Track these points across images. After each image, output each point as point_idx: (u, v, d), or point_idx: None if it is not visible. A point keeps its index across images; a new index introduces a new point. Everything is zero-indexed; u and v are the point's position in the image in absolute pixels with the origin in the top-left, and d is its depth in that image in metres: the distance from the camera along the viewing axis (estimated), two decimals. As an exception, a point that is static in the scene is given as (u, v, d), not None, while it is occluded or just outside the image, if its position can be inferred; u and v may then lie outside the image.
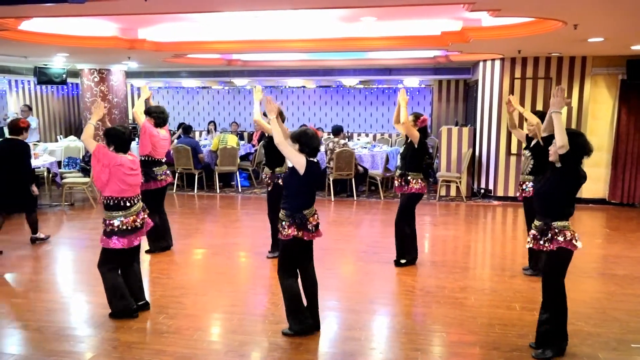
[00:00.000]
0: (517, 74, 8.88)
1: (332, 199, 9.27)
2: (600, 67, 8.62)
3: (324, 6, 5.42)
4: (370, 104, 14.35)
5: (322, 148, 9.51)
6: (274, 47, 8.08)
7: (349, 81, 13.34)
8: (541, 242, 3.57)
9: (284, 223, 3.82)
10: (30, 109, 11.22)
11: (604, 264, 5.85)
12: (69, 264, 5.81)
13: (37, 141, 10.89)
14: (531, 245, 3.68)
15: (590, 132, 8.79)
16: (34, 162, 8.45)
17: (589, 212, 8.48)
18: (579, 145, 3.43)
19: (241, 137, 12.38)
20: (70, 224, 7.86)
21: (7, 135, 6.32)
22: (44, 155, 9.21)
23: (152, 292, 5.05)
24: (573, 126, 8.74)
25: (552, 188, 3.54)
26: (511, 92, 8.84)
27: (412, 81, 13.26)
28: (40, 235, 6.57)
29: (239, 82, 13.71)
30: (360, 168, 9.49)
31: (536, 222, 3.65)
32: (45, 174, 9.04)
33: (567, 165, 3.44)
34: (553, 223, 3.52)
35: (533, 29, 5.98)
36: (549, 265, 3.61)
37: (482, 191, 9.45)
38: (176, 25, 7.44)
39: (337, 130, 9.41)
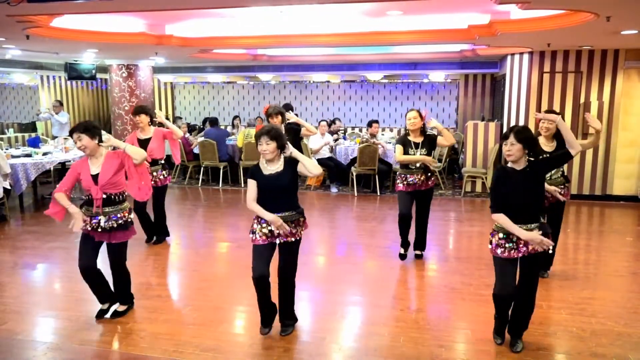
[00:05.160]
0: (546, 67, 8.68)
1: (356, 194, 9.26)
2: (633, 61, 8.35)
3: (349, 0, 5.39)
4: (394, 98, 14.25)
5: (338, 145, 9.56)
6: (299, 42, 8.09)
7: (374, 76, 13.26)
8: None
9: (301, 220, 3.79)
10: (61, 104, 11.49)
11: (636, 263, 5.70)
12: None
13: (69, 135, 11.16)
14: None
15: (622, 128, 8.55)
16: (65, 156, 8.69)
17: (620, 210, 8.27)
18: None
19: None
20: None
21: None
22: (74, 149, 9.41)
23: (178, 285, 5.16)
24: (604, 122, 8.51)
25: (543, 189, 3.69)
26: (540, 86, 8.67)
27: (438, 75, 13.10)
28: None
29: (263, 77, 13.77)
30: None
31: (532, 225, 3.65)
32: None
33: (535, 164, 3.59)
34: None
35: (563, 22, 5.84)
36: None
37: (509, 187, 9.28)
38: (202, 21, 7.51)
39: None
